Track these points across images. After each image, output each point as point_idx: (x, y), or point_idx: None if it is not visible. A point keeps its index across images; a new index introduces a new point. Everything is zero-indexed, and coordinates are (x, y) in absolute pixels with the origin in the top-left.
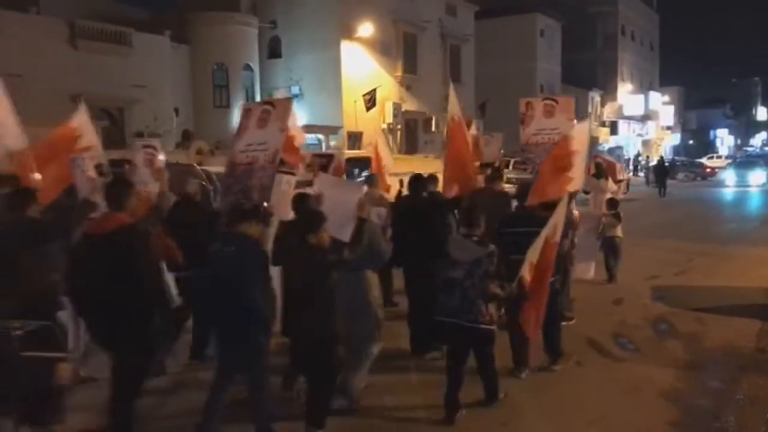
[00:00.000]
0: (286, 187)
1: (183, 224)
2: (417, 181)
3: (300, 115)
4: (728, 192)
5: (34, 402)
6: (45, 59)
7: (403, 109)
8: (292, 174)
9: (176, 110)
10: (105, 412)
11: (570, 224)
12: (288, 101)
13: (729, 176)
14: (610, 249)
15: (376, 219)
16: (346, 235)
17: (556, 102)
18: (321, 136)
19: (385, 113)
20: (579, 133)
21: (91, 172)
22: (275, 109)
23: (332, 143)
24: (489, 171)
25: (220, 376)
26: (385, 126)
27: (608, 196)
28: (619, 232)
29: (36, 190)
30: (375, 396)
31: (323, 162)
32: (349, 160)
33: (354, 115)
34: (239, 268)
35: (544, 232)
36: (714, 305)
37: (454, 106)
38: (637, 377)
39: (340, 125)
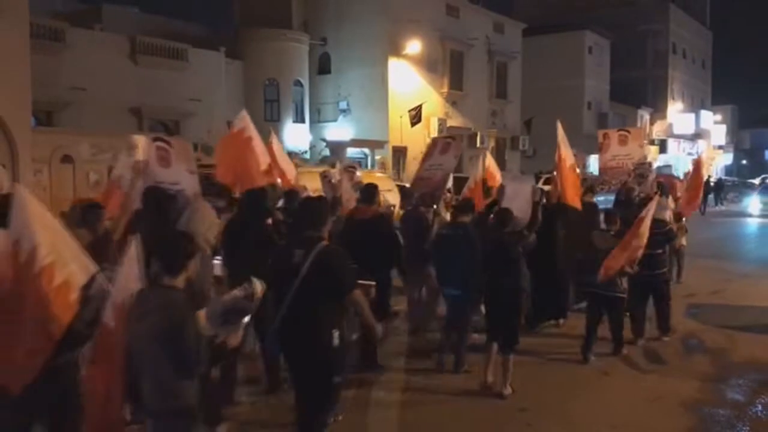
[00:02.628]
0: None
1: None
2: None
3: (347, 130)
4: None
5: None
6: (107, 73)
7: (448, 125)
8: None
9: (229, 123)
10: None
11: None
12: (459, 142)
13: (754, 203)
14: (677, 256)
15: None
16: (526, 214)
17: (629, 132)
18: (367, 150)
19: (430, 129)
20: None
21: (335, 180)
22: (454, 142)
23: (377, 157)
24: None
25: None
26: (430, 141)
27: (668, 212)
28: (684, 241)
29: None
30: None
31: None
32: None
33: (399, 130)
34: (463, 244)
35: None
36: (746, 324)
37: (563, 146)
38: (661, 387)
39: (386, 140)
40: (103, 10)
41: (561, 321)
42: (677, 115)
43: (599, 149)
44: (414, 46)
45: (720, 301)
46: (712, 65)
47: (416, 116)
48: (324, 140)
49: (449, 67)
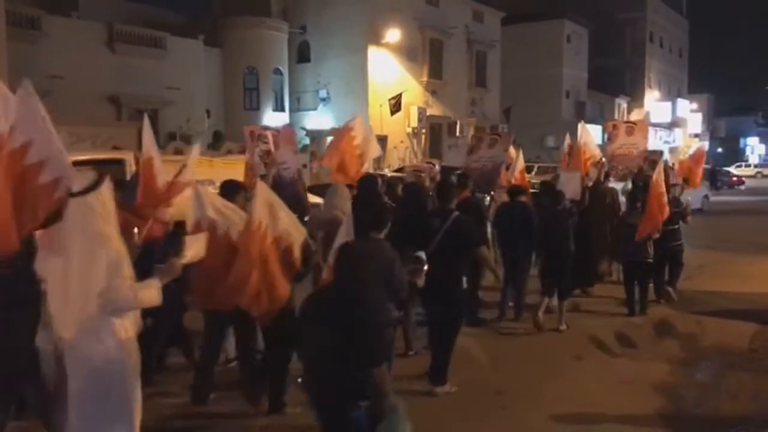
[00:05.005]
0: None
1: None
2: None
3: (326, 119)
4: (747, 201)
5: None
6: (85, 61)
7: (428, 114)
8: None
9: (208, 112)
10: None
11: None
12: (509, 134)
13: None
14: None
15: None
16: (577, 195)
17: (635, 124)
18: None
19: (410, 117)
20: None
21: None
22: (501, 138)
23: None
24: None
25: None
26: (410, 130)
27: None
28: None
29: None
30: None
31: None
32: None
33: (380, 119)
34: (521, 217)
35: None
36: (715, 309)
37: (589, 143)
38: (631, 371)
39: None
40: None
41: (590, 289)
42: (654, 104)
43: (608, 139)
44: (393, 34)
45: (691, 287)
46: (689, 54)
47: (396, 105)
48: (304, 129)
49: (429, 55)
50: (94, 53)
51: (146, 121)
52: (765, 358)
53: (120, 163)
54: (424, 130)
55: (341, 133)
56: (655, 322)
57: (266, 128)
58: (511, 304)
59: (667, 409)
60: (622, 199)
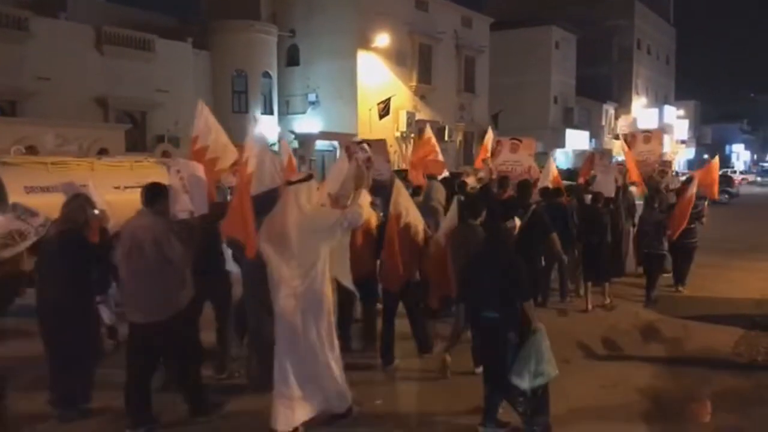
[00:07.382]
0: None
1: None
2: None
3: (315, 122)
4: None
5: None
6: (72, 63)
7: (416, 118)
8: None
9: None
10: None
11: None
12: (532, 141)
13: None
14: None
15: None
16: (611, 193)
17: (651, 132)
18: (336, 143)
19: (399, 122)
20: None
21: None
22: (522, 143)
23: None
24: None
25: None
26: (398, 134)
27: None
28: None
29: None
30: None
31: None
32: None
33: (368, 122)
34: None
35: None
36: (702, 314)
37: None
38: (617, 374)
39: (355, 132)
40: None
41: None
42: (641, 110)
43: (627, 146)
44: (383, 39)
45: (678, 292)
46: (676, 61)
47: (385, 109)
48: (292, 132)
49: (418, 60)
50: (82, 55)
51: (285, 144)
52: (749, 363)
53: None
54: (412, 135)
55: (424, 142)
56: (641, 327)
57: (363, 141)
58: None
59: (650, 412)
60: (639, 201)
